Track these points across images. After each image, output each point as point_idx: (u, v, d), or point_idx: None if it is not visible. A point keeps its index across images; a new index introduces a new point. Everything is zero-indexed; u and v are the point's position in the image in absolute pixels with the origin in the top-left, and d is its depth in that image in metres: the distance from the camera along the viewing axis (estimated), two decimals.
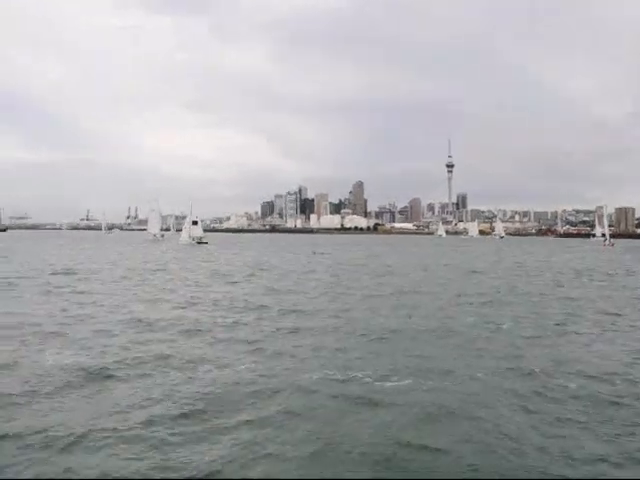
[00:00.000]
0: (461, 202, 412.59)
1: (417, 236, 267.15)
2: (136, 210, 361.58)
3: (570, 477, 7.34)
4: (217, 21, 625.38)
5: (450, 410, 9.72)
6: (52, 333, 16.09)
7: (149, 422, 8.99)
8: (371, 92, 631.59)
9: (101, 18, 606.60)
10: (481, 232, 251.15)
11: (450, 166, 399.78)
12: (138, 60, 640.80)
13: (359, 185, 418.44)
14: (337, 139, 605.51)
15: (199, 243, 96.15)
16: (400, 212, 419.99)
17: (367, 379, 11.45)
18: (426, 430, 8.87)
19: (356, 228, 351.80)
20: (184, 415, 9.36)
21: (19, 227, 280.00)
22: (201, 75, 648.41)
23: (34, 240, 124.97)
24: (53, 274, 36.36)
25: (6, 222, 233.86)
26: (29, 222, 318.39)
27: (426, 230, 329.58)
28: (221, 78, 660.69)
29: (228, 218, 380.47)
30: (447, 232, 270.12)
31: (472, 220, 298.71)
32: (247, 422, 9.10)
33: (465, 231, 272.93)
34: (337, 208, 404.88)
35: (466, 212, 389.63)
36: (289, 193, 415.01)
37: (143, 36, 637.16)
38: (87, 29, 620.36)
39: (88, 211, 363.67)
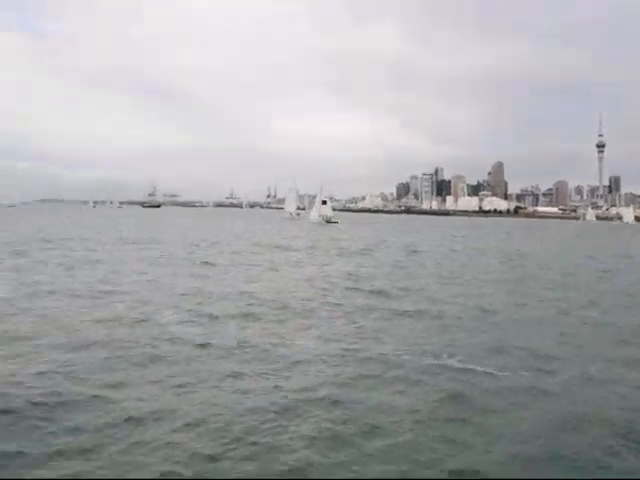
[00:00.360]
0: (614, 185, 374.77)
1: (562, 221, 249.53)
2: (275, 189, 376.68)
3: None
4: (349, 1, 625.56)
5: (542, 408, 9.13)
6: (173, 300, 17.61)
7: (235, 400, 9.06)
8: (510, 68, 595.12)
9: (242, 7, 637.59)
10: (637, 218, 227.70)
11: (601, 146, 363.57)
12: (277, 45, 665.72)
13: (499, 166, 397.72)
14: (475, 118, 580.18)
15: (328, 222, 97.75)
16: (544, 195, 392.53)
17: (459, 365, 11.06)
18: (496, 428, 8.40)
19: (495, 211, 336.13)
20: (273, 393, 9.40)
21: (171, 204, 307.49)
22: (336, 57, 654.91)
23: (184, 215, 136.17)
24: (193, 245, 40.32)
25: (160, 199, 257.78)
26: (179, 200, 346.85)
27: (573, 214, 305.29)
28: (356, 59, 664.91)
29: (363, 198, 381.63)
30: (597, 217, 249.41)
31: (626, 205, 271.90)
32: (333, 403, 9.04)
33: (618, 216, 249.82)
34: (475, 190, 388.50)
35: (619, 196, 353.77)
36: (424, 174, 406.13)
37: (280, 21, 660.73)
38: (230, 19, 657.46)
39: (232, 190, 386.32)
